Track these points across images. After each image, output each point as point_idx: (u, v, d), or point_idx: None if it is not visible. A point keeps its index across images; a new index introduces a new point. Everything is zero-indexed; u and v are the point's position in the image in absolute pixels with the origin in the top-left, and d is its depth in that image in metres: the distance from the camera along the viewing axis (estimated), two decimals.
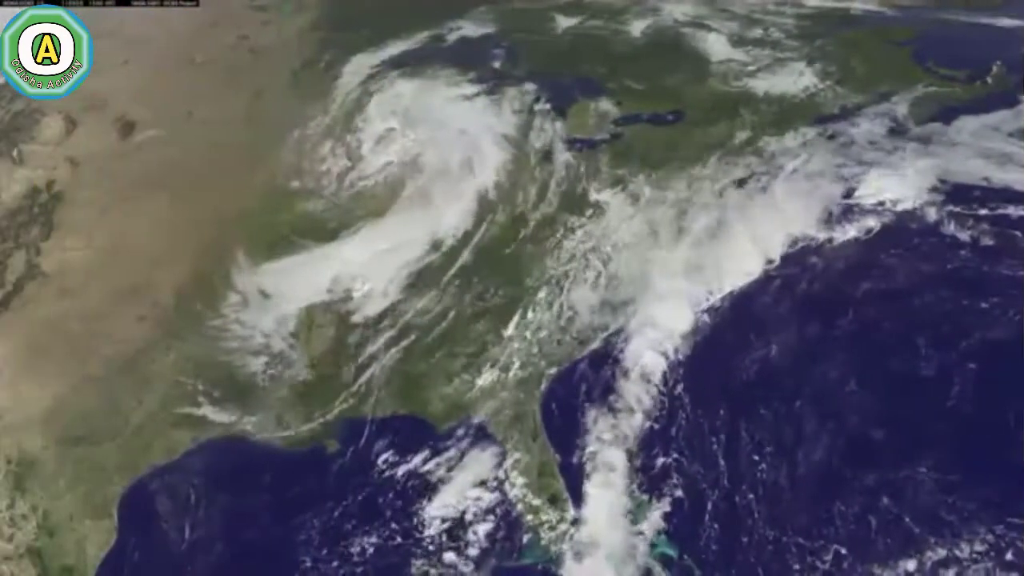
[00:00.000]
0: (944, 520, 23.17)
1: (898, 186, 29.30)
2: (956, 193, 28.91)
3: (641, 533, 24.64)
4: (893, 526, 23.56)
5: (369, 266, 30.66)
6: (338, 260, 30.97)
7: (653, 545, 24.51)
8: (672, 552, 24.38)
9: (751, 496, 24.87)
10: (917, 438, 24.53)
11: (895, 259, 27.98)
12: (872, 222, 28.81)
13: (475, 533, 25.18)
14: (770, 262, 28.46)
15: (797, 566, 23.64)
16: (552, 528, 24.98)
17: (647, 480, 25.49)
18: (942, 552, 22.73)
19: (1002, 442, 23.93)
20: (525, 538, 25.01)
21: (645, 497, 25.06)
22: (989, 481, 23.49)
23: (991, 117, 31.25)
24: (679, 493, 25.20)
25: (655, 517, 24.86)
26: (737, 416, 25.92)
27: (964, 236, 27.92)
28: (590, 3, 40.48)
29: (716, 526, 24.65)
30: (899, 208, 28.87)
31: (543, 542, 24.85)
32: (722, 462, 25.48)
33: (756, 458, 25.46)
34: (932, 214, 28.59)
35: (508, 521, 25.27)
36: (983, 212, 28.28)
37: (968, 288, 26.79)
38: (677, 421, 26.20)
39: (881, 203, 29.13)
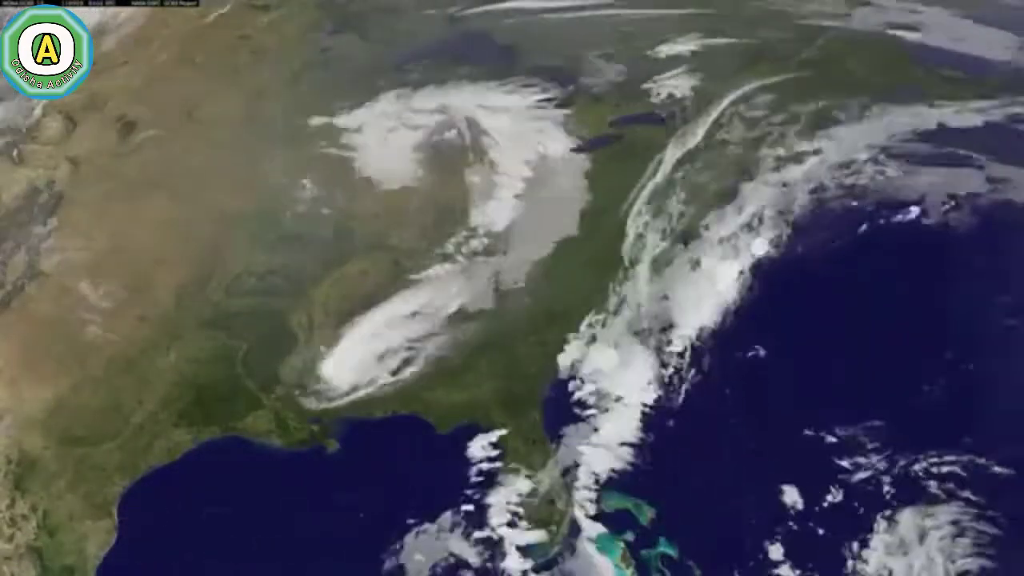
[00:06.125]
0: None
1: None
2: None
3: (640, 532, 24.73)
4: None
5: None
6: None
7: (653, 545, 24.57)
8: (672, 551, 24.39)
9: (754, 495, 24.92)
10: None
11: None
12: None
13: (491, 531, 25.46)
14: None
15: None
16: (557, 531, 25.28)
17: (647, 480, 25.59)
18: None
19: None
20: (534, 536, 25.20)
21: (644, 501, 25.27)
22: None
23: None
24: (680, 492, 25.30)
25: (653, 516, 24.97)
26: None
27: None
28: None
29: (716, 526, 24.69)
30: None
31: (547, 541, 25.21)
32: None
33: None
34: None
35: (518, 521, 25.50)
36: None
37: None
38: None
39: None
